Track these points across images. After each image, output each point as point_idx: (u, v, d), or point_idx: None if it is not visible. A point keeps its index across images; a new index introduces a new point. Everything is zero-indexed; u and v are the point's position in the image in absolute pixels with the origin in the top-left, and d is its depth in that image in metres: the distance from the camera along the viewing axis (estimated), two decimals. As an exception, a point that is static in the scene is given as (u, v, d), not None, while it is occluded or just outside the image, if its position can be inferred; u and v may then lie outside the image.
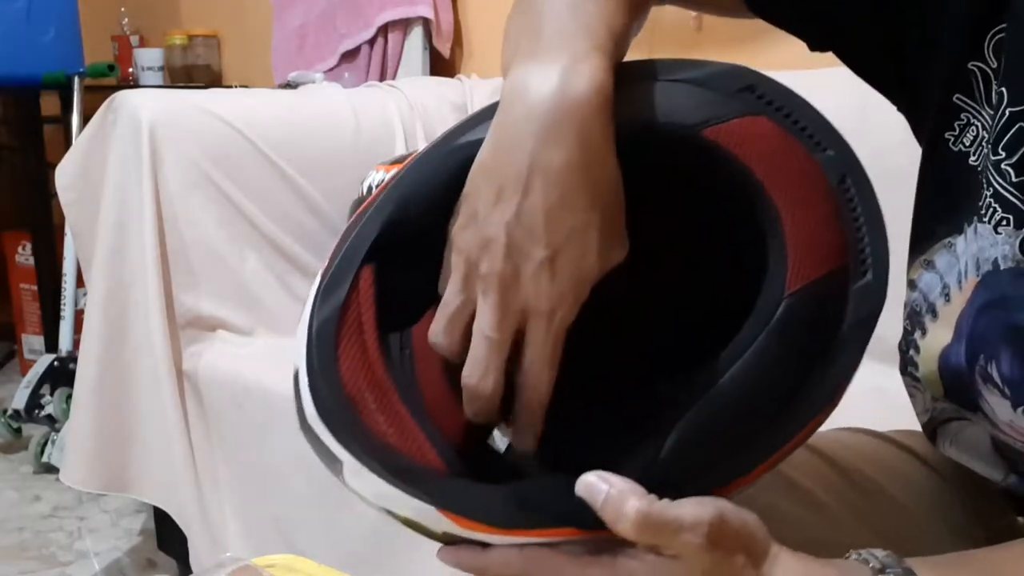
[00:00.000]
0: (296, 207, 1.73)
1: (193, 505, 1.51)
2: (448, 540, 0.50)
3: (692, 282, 0.58)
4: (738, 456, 0.48)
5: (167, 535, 1.71)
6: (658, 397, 0.49)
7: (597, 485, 0.45)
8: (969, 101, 0.55)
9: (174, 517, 1.55)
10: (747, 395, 0.47)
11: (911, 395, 0.66)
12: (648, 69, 0.51)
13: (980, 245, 0.54)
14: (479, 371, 0.49)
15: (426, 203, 0.51)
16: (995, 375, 0.54)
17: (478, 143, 0.50)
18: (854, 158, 0.50)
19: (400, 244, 0.50)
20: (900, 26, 0.56)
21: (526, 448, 0.51)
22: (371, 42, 2.33)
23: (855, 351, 0.49)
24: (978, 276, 0.54)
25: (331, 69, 2.42)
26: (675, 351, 0.53)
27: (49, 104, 2.67)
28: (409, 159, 0.53)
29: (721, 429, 0.47)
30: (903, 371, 0.64)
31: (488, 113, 0.51)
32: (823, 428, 0.51)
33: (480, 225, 0.49)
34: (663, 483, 0.46)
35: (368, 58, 2.35)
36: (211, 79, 2.99)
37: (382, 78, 2.29)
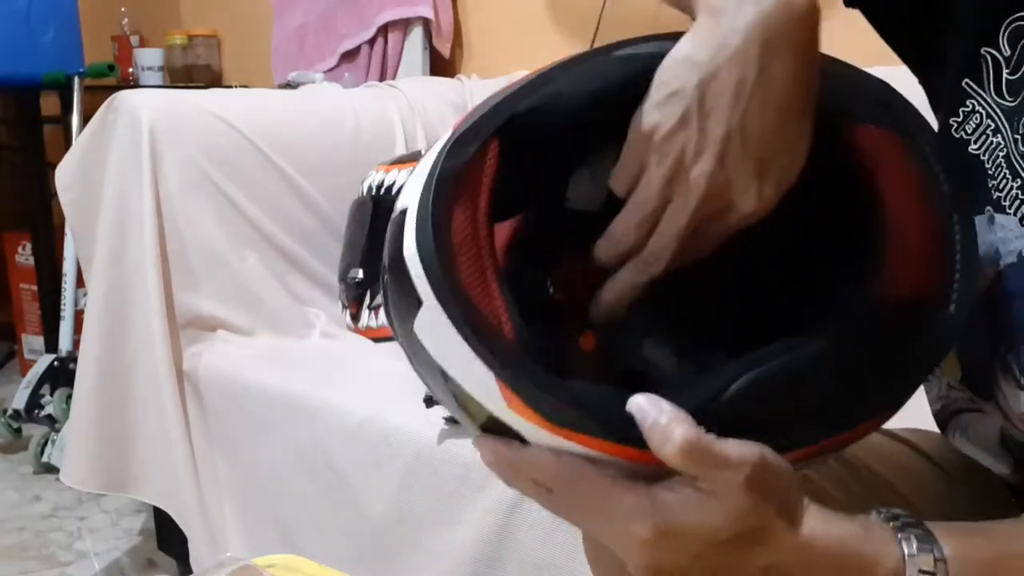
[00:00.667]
0: (296, 207, 1.73)
1: (193, 505, 1.51)
2: (485, 427, 0.50)
3: (782, 251, 0.58)
4: (790, 428, 0.48)
5: (167, 535, 1.71)
6: (736, 343, 0.50)
7: (647, 408, 0.45)
8: (977, 88, 0.55)
9: (174, 517, 1.55)
10: (816, 375, 0.48)
11: (926, 381, 0.66)
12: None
13: (1002, 236, 0.54)
14: (649, 263, 0.50)
15: (572, 104, 0.51)
16: (1014, 366, 0.54)
17: (643, 57, 0.50)
18: (964, 199, 0.52)
19: (530, 135, 0.50)
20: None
21: (609, 309, 0.52)
22: (371, 42, 2.33)
23: (928, 367, 0.51)
24: (999, 267, 0.54)
25: (331, 69, 2.42)
26: (752, 313, 0.54)
27: (49, 104, 2.67)
28: (557, 63, 0.53)
29: (783, 397, 0.48)
30: None
31: (645, 38, 0.51)
32: None
33: (694, 131, 0.48)
34: (716, 424, 0.46)
35: (368, 58, 2.35)
36: (211, 79, 2.99)
37: (382, 78, 2.29)
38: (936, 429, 0.70)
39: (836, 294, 0.51)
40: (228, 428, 1.51)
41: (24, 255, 2.89)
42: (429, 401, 1.19)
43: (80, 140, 1.66)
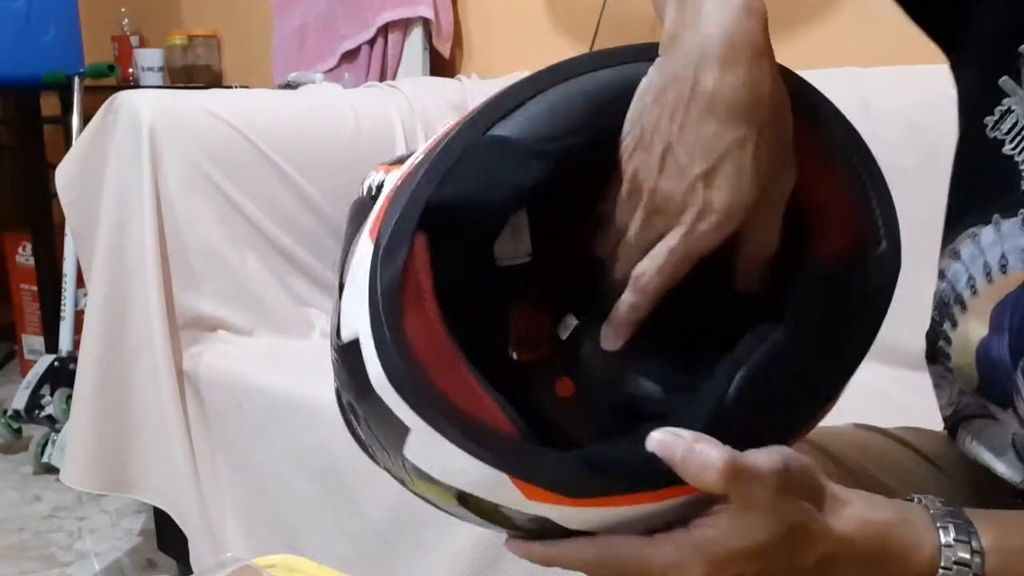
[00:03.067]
0: (296, 207, 1.73)
1: (193, 505, 1.51)
2: (516, 527, 0.50)
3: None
4: (791, 412, 0.50)
5: (167, 535, 1.71)
6: (713, 350, 0.51)
7: (671, 441, 0.45)
8: (1016, 86, 0.55)
9: (174, 517, 1.55)
10: (802, 342, 0.50)
11: (937, 385, 0.66)
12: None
13: None
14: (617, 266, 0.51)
15: (477, 187, 0.51)
16: None
17: (511, 137, 0.51)
18: (858, 136, 0.54)
19: (451, 217, 0.50)
20: None
21: (610, 347, 0.52)
22: (371, 42, 2.33)
23: (883, 304, 0.52)
24: None
25: (331, 69, 2.42)
26: (718, 316, 0.55)
27: (49, 104, 2.67)
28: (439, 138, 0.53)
29: (778, 382, 0.49)
30: (931, 360, 0.64)
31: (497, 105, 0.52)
32: (828, 423, 0.52)
33: (647, 146, 0.50)
34: (729, 433, 0.46)
35: (368, 58, 2.35)
36: (211, 79, 2.98)
37: (382, 78, 2.29)
38: (934, 427, 0.70)
39: (779, 275, 0.53)
40: (228, 428, 1.51)
41: (24, 255, 2.89)
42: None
43: (80, 140, 1.66)
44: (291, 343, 1.64)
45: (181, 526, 1.54)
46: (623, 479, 0.46)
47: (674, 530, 0.47)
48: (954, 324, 0.60)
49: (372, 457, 0.56)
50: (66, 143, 2.32)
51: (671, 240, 0.50)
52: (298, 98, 1.92)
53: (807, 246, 0.52)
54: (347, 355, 0.49)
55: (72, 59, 2.46)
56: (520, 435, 0.47)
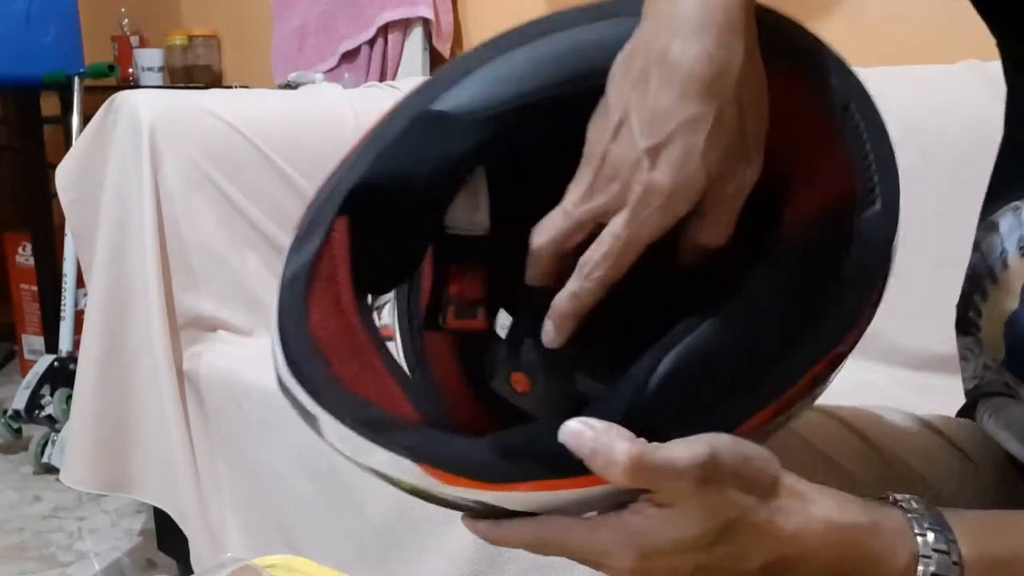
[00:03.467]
0: (296, 207, 1.73)
1: (193, 505, 1.51)
2: (439, 501, 0.48)
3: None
4: (731, 401, 0.45)
5: (167, 535, 1.71)
6: (651, 326, 0.46)
7: (582, 432, 0.43)
8: None
9: (174, 517, 1.55)
10: (747, 326, 0.45)
11: (963, 358, 0.64)
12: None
13: None
14: (543, 238, 0.48)
15: (406, 163, 0.48)
16: None
17: (448, 109, 0.48)
18: (861, 88, 0.49)
19: (377, 200, 0.48)
20: None
21: (550, 343, 0.49)
22: (371, 42, 2.33)
23: (869, 284, 0.47)
24: None
25: (331, 69, 2.42)
26: (670, 286, 0.50)
27: (49, 104, 2.67)
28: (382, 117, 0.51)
29: (711, 371, 0.44)
30: (961, 331, 0.62)
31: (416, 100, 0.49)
32: (856, 404, 0.49)
33: (607, 112, 0.47)
34: (650, 423, 0.43)
35: (368, 58, 2.35)
36: (211, 79, 2.98)
37: (382, 78, 2.29)
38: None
39: (742, 243, 0.47)
40: (228, 428, 1.51)
41: (24, 255, 2.89)
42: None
43: (80, 140, 1.66)
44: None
45: (181, 526, 1.54)
46: (537, 466, 0.44)
47: (609, 514, 0.45)
48: (984, 296, 0.58)
49: None
50: (66, 143, 2.32)
51: (615, 226, 0.46)
52: (298, 98, 1.92)
53: (778, 208, 0.47)
54: (272, 353, 0.50)
55: (72, 59, 2.46)
56: (424, 420, 0.45)
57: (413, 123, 0.48)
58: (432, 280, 0.52)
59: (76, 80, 2.40)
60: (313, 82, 2.17)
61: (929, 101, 1.29)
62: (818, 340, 0.46)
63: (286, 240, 1.73)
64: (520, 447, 0.44)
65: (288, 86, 2.21)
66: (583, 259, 0.47)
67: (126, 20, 3.13)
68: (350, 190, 0.47)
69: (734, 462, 0.43)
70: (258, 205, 1.68)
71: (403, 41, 2.30)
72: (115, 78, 2.52)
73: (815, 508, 0.45)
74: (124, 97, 1.61)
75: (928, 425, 0.71)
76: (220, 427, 1.52)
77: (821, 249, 0.46)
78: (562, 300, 0.48)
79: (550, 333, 0.49)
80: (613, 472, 0.42)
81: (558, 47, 0.49)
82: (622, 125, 0.46)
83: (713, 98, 0.45)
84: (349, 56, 2.40)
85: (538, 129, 0.49)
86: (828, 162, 0.47)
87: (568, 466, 0.43)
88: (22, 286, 2.92)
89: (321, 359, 0.46)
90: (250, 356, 1.54)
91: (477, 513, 0.48)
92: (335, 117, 1.83)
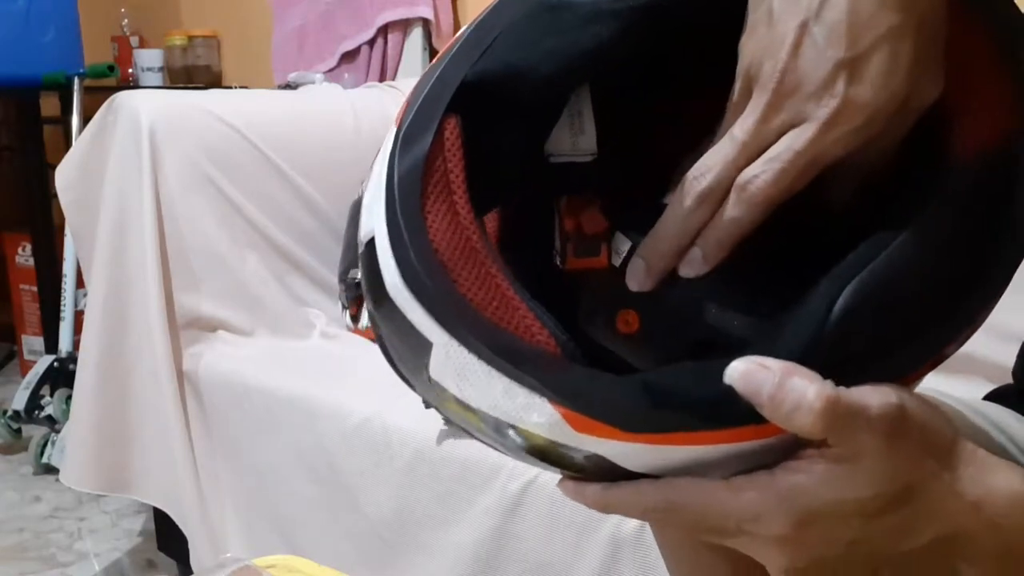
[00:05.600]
0: (296, 207, 1.73)
1: (193, 505, 1.51)
2: (546, 455, 0.41)
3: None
4: (912, 340, 0.40)
5: (167, 535, 1.71)
6: (818, 260, 0.40)
7: (757, 374, 0.37)
8: None
9: (174, 517, 1.55)
10: (925, 260, 0.39)
11: None
12: None
13: None
14: (702, 172, 0.41)
15: (523, 56, 0.42)
16: None
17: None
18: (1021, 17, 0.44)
19: (492, 97, 0.42)
20: None
21: (696, 273, 0.42)
22: (371, 43, 2.34)
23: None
24: None
25: (331, 70, 2.43)
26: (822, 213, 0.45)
27: (49, 104, 2.67)
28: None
29: (898, 300, 0.39)
30: None
31: None
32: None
33: (772, 24, 0.41)
34: (831, 362, 0.38)
35: (368, 58, 2.35)
36: (211, 80, 2.99)
37: (382, 78, 2.29)
38: None
39: (908, 181, 0.42)
40: (228, 428, 1.51)
41: (24, 256, 2.89)
42: (429, 402, 1.19)
43: (80, 141, 1.66)
44: (291, 343, 1.64)
45: (181, 526, 1.54)
46: (690, 414, 0.38)
47: (758, 473, 0.39)
48: None
49: (409, 384, 0.46)
50: (66, 143, 2.32)
51: (799, 141, 0.39)
52: (298, 98, 1.92)
53: (943, 142, 0.42)
54: (365, 258, 0.42)
55: (72, 59, 2.46)
56: (564, 354, 0.39)
57: (534, 12, 0.42)
58: (536, 213, 0.47)
59: (76, 80, 2.40)
60: (313, 82, 2.17)
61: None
62: (987, 287, 0.41)
63: (286, 240, 1.73)
64: (675, 391, 0.38)
65: (288, 86, 2.21)
66: (743, 179, 0.41)
67: (126, 20, 3.13)
68: (461, 83, 0.41)
69: (921, 418, 0.38)
70: (258, 205, 1.68)
71: (403, 41, 2.30)
72: (115, 78, 2.52)
73: (997, 478, 0.40)
74: (124, 97, 1.61)
75: (974, 409, 0.65)
76: (220, 427, 1.53)
77: (996, 179, 0.41)
78: (721, 226, 0.42)
79: (698, 263, 0.43)
80: (800, 418, 0.36)
81: None
82: (803, 36, 0.40)
83: (914, 9, 0.39)
84: (349, 56, 2.41)
85: (668, 31, 0.43)
86: (1000, 93, 0.42)
87: (726, 414, 0.38)
88: (22, 286, 2.92)
89: (444, 274, 0.39)
90: (250, 356, 1.55)
91: (586, 474, 0.42)
92: (335, 117, 1.83)
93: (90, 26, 2.67)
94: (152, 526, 1.80)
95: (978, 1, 0.43)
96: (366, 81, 2.30)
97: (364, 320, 1.67)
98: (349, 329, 1.70)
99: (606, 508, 0.42)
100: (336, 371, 1.48)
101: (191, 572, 1.55)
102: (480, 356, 0.39)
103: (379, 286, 0.40)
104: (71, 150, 1.68)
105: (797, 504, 0.38)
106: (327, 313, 1.73)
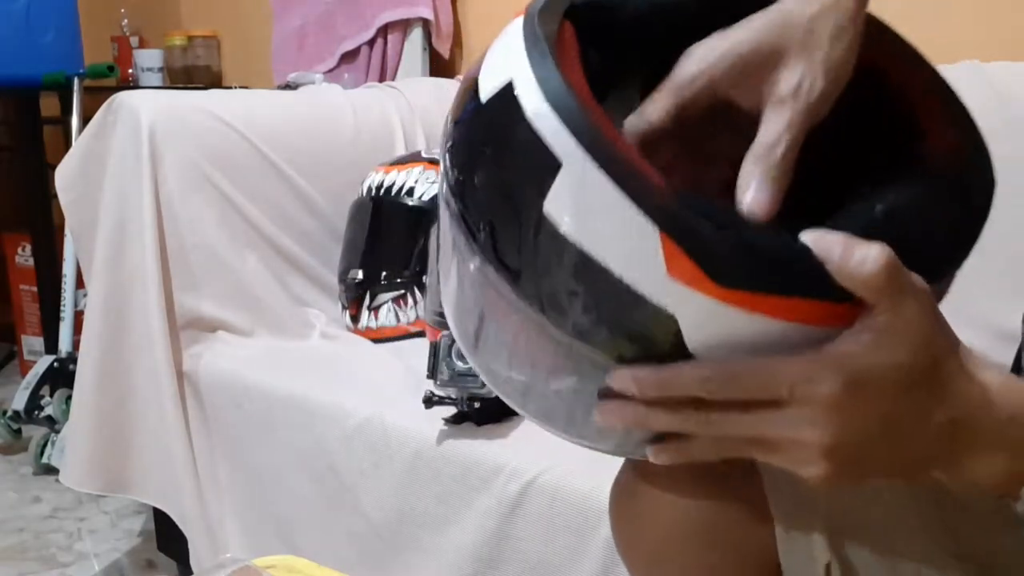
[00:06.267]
0: (296, 207, 1.73)
1: (193, 506, 1.51)
2: (624, 354, 0.44)
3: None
4: (935, 261, 0.46)
5: (167, 536, 1.71)
6: (855, 177, 0.50)
7: (828, 235, 0.42)
8: None
9: (174, 517, 1.55)
10: (935, 198, 0.48)
11: None
12: None
13: None
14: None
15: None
16: None
17: None
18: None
19: (599, 17, 0.49)
20: None
21: (763, 204, 0.47)
22: (371, 43, 2.33)
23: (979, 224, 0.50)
24: None
25: (331, 70, 2.42)
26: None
27: (49, 105, 2.67)
28: None
29: (922, 215, 0.47)
30: None
31: None
32: None
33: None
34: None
35: (368, 59, 2.35)
36: (211, 80, 2.99)
37: (382, 79, 2.29)
38: None
39: (889, 175, 0.51)
40: (228, 429, 1.51)
41: (24, 256, 2.89)
42: (428, 402, 1.19)
43: (80, 141, 1.66)
44: (291, 343, 1.64)
45: (181, 526, 1.54)
46: (770, 272, 0.41)
47: (803, 350, 0.42)
48: None
49: (485, 249, 0.47)
50: (66, 143, 2.32)
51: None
52: (298, 98, 1.92)
53: (919, 146, 0.51)
54: (500, 101, 0.45)
55: (72, 60, 2.46)
56: (676, 194, 0.42)
57: None
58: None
59: (76, 81, 2.40)
60: (313, 82, 2.17)
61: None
62: (962, 233, 0.48)
63: (286, 240, 1.73)
64: (763, 248, 0.42)
65: (288, 86, 2.21)
66: (779, 95, 0.48)
67: (126, 20, 3.13)
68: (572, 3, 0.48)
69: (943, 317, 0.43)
70: (258, 205, 1.68)
71: (403, 41, 2.30)
72: (115, 78, 2.52)
73: (987, 371, 0.45)
74: (124, 98, 1.61)
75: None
76: (220, 427, 1.53)
77: (964, 174, 0.50)
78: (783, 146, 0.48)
79: (763, 190, 0.48)
80: (867, 267, 0.40)
81: None
82: None
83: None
84: (349, 56, 2.41)
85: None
86: (946, 108, 0.53)
87: (798, 282, 0.42)
88: (22, 286, 2.92)
89: (581, 104, 0.43)
90: (250, 356, 1.55)
91: (635, 361, 0.45)
92: (335, 117, 1.83)
93: (90, 26, 2.67)
94: (152, 526, 1.80)
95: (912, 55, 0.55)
96: (366, 81, 2.30)
97: (364, 320, 1.67)
98: (349, 329, 1.70)
99: (659, 384, 0.44)
100: (336, 371, 1.48)
101: (191, 572, 1.55)
102: (609, 173, 0.41)
103: (513, 122, 0.43)
104: (71, 150, 1.68)
105: (847, 366, 0.41)
106: (327, 313, 1.73)
